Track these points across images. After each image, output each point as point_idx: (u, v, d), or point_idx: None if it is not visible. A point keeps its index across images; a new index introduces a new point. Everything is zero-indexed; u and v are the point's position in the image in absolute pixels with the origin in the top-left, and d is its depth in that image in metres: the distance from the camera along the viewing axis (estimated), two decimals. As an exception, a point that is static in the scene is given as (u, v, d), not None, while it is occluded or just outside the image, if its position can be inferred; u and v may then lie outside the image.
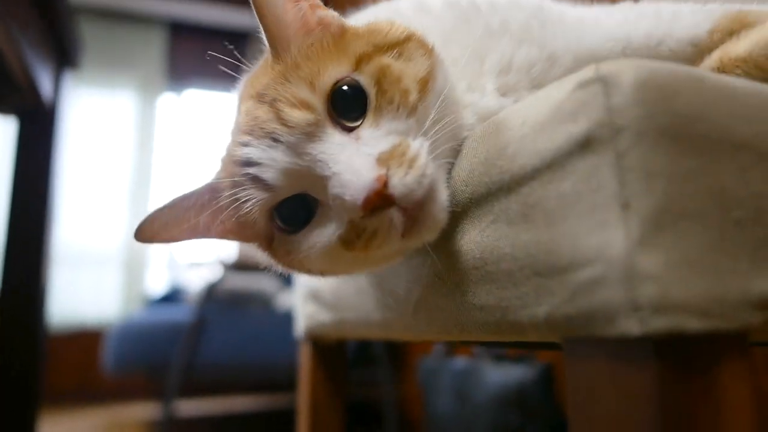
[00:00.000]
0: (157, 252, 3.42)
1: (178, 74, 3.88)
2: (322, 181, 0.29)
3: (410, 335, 0.43)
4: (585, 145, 0.22)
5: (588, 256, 0.22)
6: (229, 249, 2.16)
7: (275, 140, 0.29)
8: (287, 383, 2.14)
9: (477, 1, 0.39)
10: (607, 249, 0.21)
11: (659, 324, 0.20)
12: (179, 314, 2.08)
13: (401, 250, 0.32)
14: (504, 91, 0.36)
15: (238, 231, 0.34)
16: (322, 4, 0.33)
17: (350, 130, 0.30)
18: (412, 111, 0.30)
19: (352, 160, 0.28)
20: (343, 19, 0.34)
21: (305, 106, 0.29)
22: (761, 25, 0.33)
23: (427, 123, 0.29)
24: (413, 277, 0.35)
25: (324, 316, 0.55)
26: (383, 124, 0.29)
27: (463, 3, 0.39)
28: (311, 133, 0.29)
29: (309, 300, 0.58)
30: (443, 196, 0.29)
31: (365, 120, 0.30)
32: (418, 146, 0.28)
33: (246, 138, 0.30)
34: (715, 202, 0.22)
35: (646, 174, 0.21)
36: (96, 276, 2.86)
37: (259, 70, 0.37)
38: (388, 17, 0.36)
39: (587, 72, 0.23)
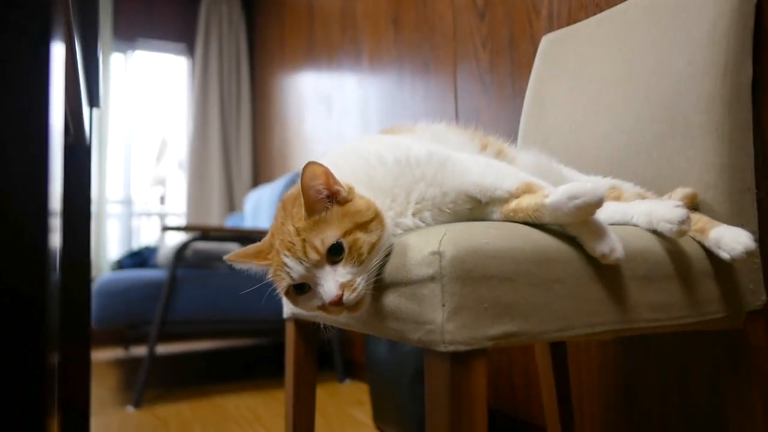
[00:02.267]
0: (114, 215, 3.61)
1: (125, 34, 3.93)
2: (316, 283, 0.63)
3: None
4: (431, 278, 0.58)
5: (430, 320, 0.58)
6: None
7: (300, 262, 0.63)
8: (252, 330, 2.47)
9: (411, 159, 0.72)
10: (436, 318, 0.57)
11: (451, 348, 0.56)
12: (153, 274, 2.34)
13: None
14: (417, 215, 0.71)
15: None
16: (338, 181, 0.64)
17: (335, 263, 0.64)
18: (363, 263, 0.64)
19: (329, 282, 0.62)
20: (350, 189, 0.66)
21: (317, 252, 0.63)
22: (534, 194, 0.68)
23: (371, 266, 0.64)
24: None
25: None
26: (347, 267, 0.63)
27: (403, 160, 0.72)
28: (316, 264, 0.63)
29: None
30: (367, 300, 0.64)
31: (342, 260, 0.64)
32: (359, 281, 0.62)
33: (287, 253, 0.64)
34: (482, 302, 0.58)
35: (452, 293, 0.56)
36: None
37: (297, 206, 0.66)
38: (359, 172, 0.70)
39: (434, 246, 0.58)
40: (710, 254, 0.77)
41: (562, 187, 0.64)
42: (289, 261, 0.63)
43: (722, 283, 0.77)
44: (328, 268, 0.62)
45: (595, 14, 1.27)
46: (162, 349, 3.18)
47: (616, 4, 1.22)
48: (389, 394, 1.57)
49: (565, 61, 1.20)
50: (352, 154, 0.75)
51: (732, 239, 0.73)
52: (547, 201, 0.64)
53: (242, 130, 4.06)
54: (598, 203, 0.62)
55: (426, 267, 0.58)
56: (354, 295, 0.61)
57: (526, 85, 1.29)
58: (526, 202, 0.67)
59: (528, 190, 0.69)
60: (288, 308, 0.97)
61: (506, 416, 1.55)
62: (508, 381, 1.55)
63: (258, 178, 4.01)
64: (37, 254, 0.33)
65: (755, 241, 0.85)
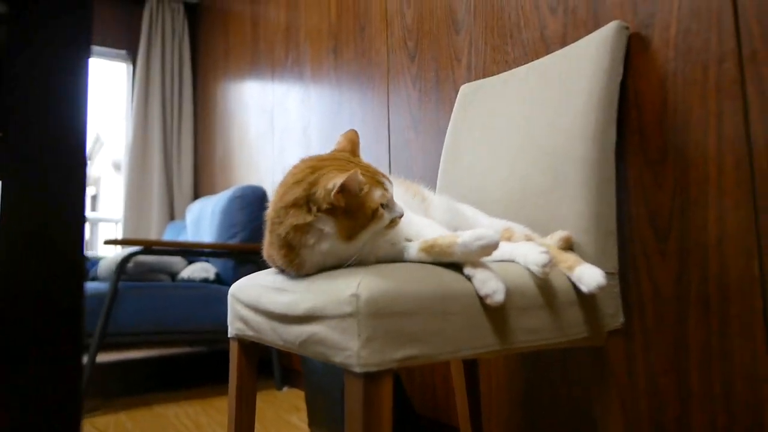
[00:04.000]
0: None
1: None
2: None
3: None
4: (350, 315, 0.74)
5: (349, 347, 0.74)
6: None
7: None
8: (194, 340, 2.56)
9: None
10: (353, 346, 0.74)
11: (364, 369, 0.73)
12: (93, 287, 2.38)
13: None
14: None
15: None
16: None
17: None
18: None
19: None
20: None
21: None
22: (449, 236, 0.87)
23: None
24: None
25: (249, 332, 1.04)
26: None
27: None
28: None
29: (239, 320, 1.08)
30: None
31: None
32: None
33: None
34: (389, 332, 0.75)
35: (365, 326, 0.73)
36: None
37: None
38: None
39: (353, 289, 0.75)
40: (576, 286, 0.97)
41: (470, 231, 0.83)
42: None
43: (585, 309, 0.98)
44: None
45: (505, 70, 1.48)
46: (101, 357, 3.21)
47: (521, 63, 1.43)
48: (323, 400, 1.73)
49: (478, 111, 1.40)
50: None
51: (590, 277, 0.93)
52: (459, 240, 0.83)
53: (184, 138, 4.12)
54: (496, 245, 0.83)
55: (347, 305, 0.75)
56: None
57: (446, 123, 1.49)
58: (441, 240, 0.86)
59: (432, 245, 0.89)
60: (232, 328, 1.12)
61: (429, 420, 1.74)
62: (431, 389, 1.74)
63: (199, 188, 4.07)
64: (75, 268, 0.34)
65: (615, 273, 1.06)
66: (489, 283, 0.83)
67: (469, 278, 0.85)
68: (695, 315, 1.07)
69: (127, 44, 4.11)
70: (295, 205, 0.83)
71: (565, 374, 1.33)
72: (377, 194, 0.84)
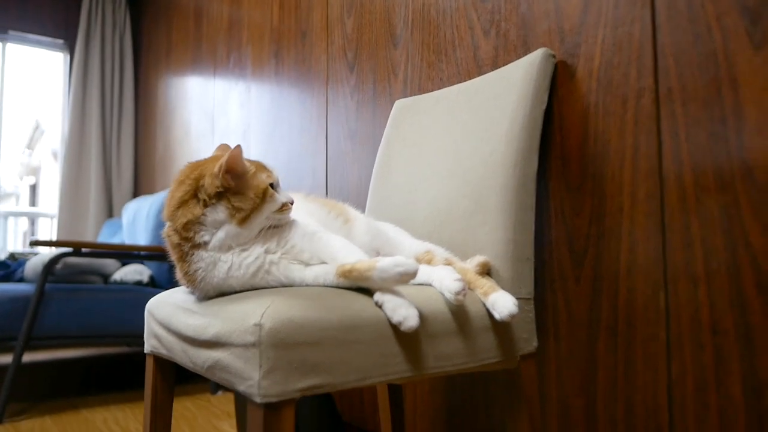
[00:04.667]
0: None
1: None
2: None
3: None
4: (252, 344, 0.73)
5: (251, 377, 0.73)
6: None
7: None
8: (124, 342, 2.47)
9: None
10: (255, 376, 0.73)
11: (265, 400, 0.72)
12: (18, 288, 2.29)
13: None
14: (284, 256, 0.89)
15: None
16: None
17: None
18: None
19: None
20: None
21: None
22: (368, 261, 0.86)
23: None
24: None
25: (163, 351, 1.02)
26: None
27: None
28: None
29: (153, 337, 1.05)
30: None
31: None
32: None
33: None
34: (292, 363, 0.74)
35: (267, 357, 0.72)
36: None
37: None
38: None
39: (257, 318, 0.74)
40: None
41: (389, 258, 0.83)
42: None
43: (499, 334, 0.99)
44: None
45: (439, 87, 1.49)
46: (27, 357, 3.08)
47: (455, 81, 1.44)
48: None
49: (410, 128, 1.41)
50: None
51: (502, 305, 0.95)
52: (378, 264, 0.83)
53: (124, 134, 3.99)
54: (414, 273, 0.82)
55: (249, 335, 0.74)
56: None
57: (382, 136, 1.49)
58: (360, 265, 0.85)
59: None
60: (148, 344, 1.09)
61: (357, 428, 1.74)
62: (359, 398, 1.74)
63: (139, 186, 3.96)
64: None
65: (531, 299, 1.09)
66: (400, 311, 0.83)
67: (379, 305, 0.85)
68: (604, 340, 1.11)
69: (64, 34, 3.95)
70: (183, 202, 0.86)
71: (486, 395, 1.35)
72: (263, 176, 0.88)
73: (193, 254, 0.86)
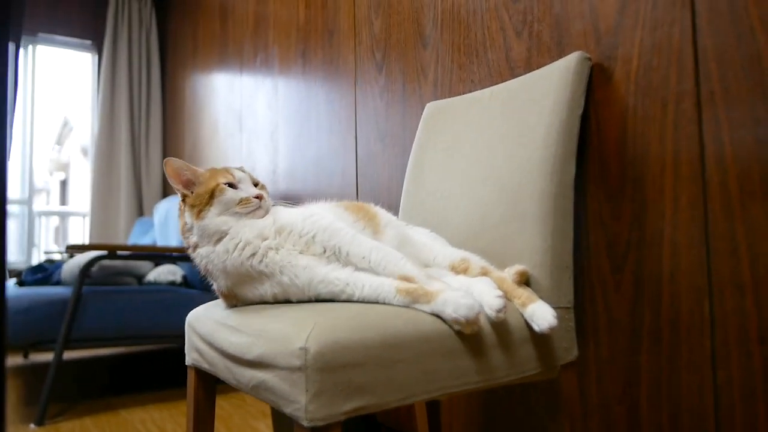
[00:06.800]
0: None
1: (26, 29, 3.81)
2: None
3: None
4: (298, 368, 0.74)
5: (298, 400, 0.74)
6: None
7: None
8: (155, 337, 2.51)
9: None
10: (301, 400, 0.73)
11: (312, 424, 0.72)
12: (56, 292, 2.34)
13: None
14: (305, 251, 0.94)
15: None
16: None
17: None
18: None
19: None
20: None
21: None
22: (428, 288, 0.86)
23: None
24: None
25: (204, 365, 1.03)
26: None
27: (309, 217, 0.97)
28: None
29: (195, 351, 1.07)
30: None
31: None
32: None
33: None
34: (337, 386, 0.74)
35: (314, 381, 0.73)
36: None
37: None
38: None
39: (302, 341, 0.74)
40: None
41: (450, 294, 0.86)
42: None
43: (539, 345, 0.99)
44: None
45: (470, 89, 1.47)
46: (65, 355, 3.16)
47: (487, 83, 1.43)
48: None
49: (442, 133, 1.39)
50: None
51: (541, 316, 0.94)
52: (440, 298, 0.85)
53: (152, 132, 4.04)
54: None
55: (296, 358, 0.74)
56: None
57: (413, 137, 1.48)
58: (422, 290, 0.87)
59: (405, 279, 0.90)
60: (189, 357, 1.10)
61: (390, 429, 1.75)
62: (393, 399, 1.74)
63: (168, 185, 4.01)
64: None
65: (570, 308, 1.08)
66: (463, 303, 0.85)
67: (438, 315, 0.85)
68: (647, 347, 1.09)
69: (92, 35, 4.00)
70: (180, 214, 1.03)
71: (525, 401, 1.34)
72: (219, 178, 0.99)
73: (195, 253, 0.99)
